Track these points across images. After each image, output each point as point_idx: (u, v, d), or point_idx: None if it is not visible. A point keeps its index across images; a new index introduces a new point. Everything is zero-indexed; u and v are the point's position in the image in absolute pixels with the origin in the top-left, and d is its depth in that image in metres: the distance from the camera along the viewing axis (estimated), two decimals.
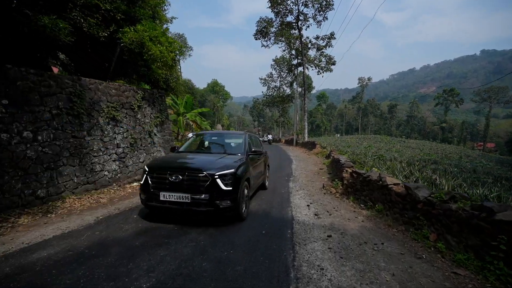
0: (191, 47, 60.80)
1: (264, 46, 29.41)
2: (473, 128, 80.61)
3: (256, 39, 28.63)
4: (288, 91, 43.03)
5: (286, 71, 44.07)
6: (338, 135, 67.54)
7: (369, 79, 73.76)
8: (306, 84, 29.81)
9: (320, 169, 11.55)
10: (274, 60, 47.21)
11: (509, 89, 71.26)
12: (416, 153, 16.26)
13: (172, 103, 14.09)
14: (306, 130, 28.81)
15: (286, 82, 46.88)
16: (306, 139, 28.99)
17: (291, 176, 9.39)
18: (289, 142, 35.67)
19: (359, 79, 74.47)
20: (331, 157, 14.03)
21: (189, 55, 61.64)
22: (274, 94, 49.00)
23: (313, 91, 60.20)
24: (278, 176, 9.27)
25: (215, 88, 76.86)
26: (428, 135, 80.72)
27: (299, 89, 40.35)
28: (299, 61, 33.29)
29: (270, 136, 35.36)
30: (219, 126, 66.46)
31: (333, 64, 27.20)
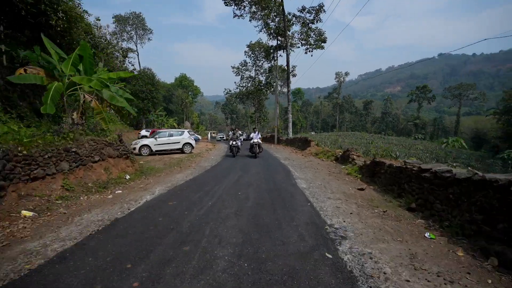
0: (150, 29, 52.12)
1: (237, 16, 22.83)
2: (443, 125, 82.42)
3: (226, 5, 21.93)
4: (264, 81, 37.00)
5: (263, 59, 37.99)
6: (313, 133, 63.33)
7: (346, 74, 70.83)
8: (287, 72, 23.91)
9: (360, 189, 5.44)
10: (248, 46, 40.84)
11: (476, 87, 73.53)
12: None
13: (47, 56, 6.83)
14: (290, 125, 22.92)
15: (262, 71, 40.83)
16: (291, 135, 23.13)
17: (328, 231, 3.13)
18: (268, 140, 29.57)
19: (336, 74, 71.25)
20: (353, 159, 8.07)
21: (149, 39, 53.00)
22: (249, 84, 42.76)
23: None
24: (282, 239, 2.93)
25: (184, 82, 69.44)
26: (401, 131, 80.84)
27: (280, 82, 34.65)
28: (279, 42, 27.32)
29: (240, 133, 21.26)
30: (187, 124, 58.79)
31: (324, 41, 21.59)
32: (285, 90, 52.75)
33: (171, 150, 13.83)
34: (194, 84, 71.35)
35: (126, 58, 36.53)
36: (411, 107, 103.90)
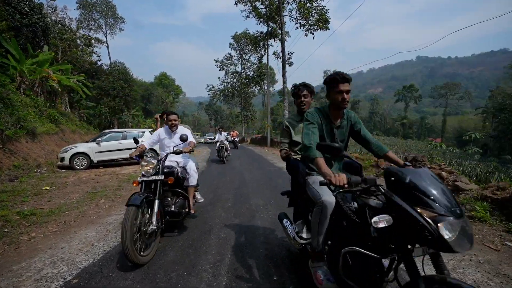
0: (122, 18, 46.23)
1: None
2: (430, 125, 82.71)
3: None
4: (252, 74, 33.07)
5: (250, 52, 33.95)
6: None
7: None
8: (282, 59, 19.97)
9: None
10: (233, 37, 36.65)
11: (461, 86, 74.25)
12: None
13: None
14: None
15: (249, 65, 36.79)
16: None
17: None
18: (259, 142, 25.50)
19: (324, 72, 68.67)
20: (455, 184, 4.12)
21: (120, 29, 47.04)
22: (234, 80, 38.72)
23: (276, 85, 51.57)
24: None
25: (164, 81, 63.75)
26: (388, 131, 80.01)
27: (268, 84, 30.75)
28: (270, 29, 23.48)
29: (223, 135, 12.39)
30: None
31: (327, 21, 17.91)
32: (271, 89, 48.99)
33: (125, 159, 9.35)
34: (176, 83, 66.03)
35: (90, 47, 30.96)
36: (394, 107, 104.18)
